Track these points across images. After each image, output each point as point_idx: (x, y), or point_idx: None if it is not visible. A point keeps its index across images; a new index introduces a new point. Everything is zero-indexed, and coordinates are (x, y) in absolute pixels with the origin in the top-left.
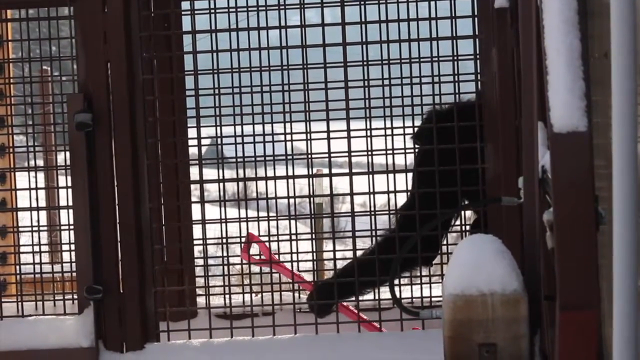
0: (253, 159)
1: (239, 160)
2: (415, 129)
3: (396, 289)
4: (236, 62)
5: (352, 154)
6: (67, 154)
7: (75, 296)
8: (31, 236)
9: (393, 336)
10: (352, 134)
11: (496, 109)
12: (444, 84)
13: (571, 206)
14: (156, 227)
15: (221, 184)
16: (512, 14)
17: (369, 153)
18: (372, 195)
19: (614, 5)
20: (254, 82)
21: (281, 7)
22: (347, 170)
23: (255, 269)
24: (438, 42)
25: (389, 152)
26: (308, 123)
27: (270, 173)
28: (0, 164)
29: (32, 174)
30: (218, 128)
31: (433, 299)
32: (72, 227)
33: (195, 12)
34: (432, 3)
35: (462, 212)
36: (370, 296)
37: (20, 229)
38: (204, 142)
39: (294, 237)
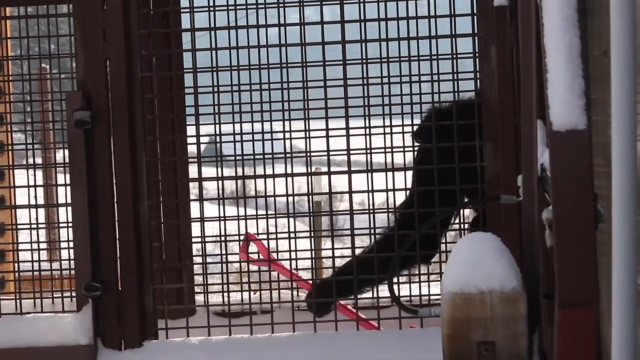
0: (252, 156)
1: (237, 158)
2: (415, 127)
3: (395, 287)
4: (235, 59)
5: (351, 152)
6: (66, 151)
7: (74, 294)
8: (30, 234)
9: (391, 334)
10: (351, 132)
11: (495, 107)
12: (443, 82)
13: (570, 204)
14: (155, 224)
15: (220, 182)
16: (512, 12)
17: (368, 151)
18: (370, 194)
19: (614, 3)
20: (253, 80)
21: (280, 5)
22: (345, 169)
23: (254, 267)
24: (437, 40)
25: (388, 150)
26: (307, 121)
27: (269, 171)
28: None
29: (31, 171)
30: (217, 126)
31: (432, 297)
32: (70, 224)
33: (195, 9)
34: (432, 1)
35: (462, 211)
36: (368, 294)
37: (19, 227)
38: (202, 140)
39: (292, 235)
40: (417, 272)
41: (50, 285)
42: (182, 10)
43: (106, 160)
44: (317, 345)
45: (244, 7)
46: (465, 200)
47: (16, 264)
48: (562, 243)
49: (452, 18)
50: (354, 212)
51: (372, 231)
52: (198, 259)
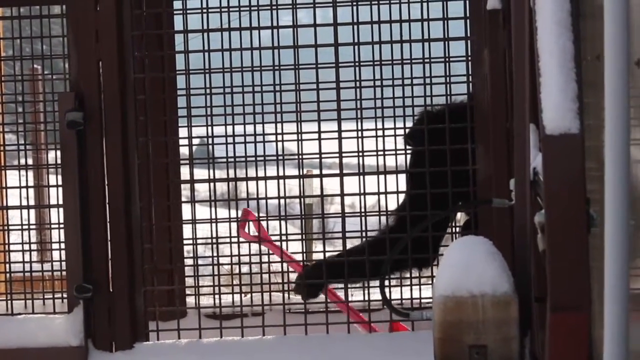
0: (244, 159)
1: (229, 160)
2: (407, 130)
3: (386, 290)
4: (228, 61)
5: (343, 154)
6: (58, 152)
7: (65, 295)
8: (21, 234)
9: (383, 337)
10: (343, 134)
11: (487, 110)
12: (435, 85)
13: (563, 208)
14: (146, 226)
15: (211, 184)
16: (505, 16)
17: (360, 154)
18: (362, 197)
19: (608, 7)
20: (245, 82)
21: (273, 7)
22: (335, 171)
23: (245, 269)
24: (430, 44)
25: (380, 153)
26: (299, 123)
27: (260, 173)
28: None
29: (22, 172)
30: (209, 128)
31: (423, 300)
32: (61, 225)
33: (187, 11)
34: (424, 4)
35: (455, 214)
36: (360, 297)
37: (10, 228)
38: (194, 141)
39: (283, 237)
40: (409, 276)
41: (41, 287)
42: (174, 12)
43: (98, 161)
44: (308, 348)
45: (237, 9)
46: (460, 203)
47: (7, 265)
48: (555, 247)
49: (445, 21)
50: (346, 214)
51: (364, 234)
52: (189, 261)
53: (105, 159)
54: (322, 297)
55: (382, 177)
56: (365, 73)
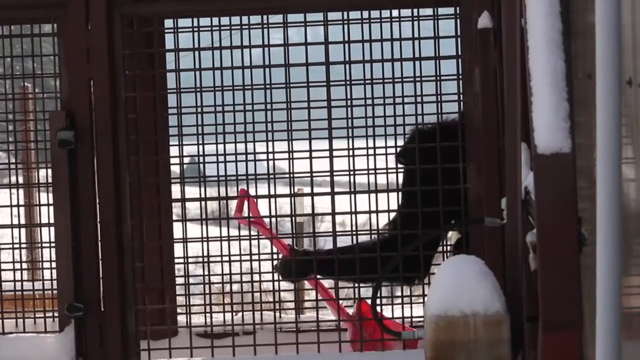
0: (235, 177)
1: (220, 178)
2: (398, 148)
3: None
4: (219, 80)
5: (335, 173)
6: (48, 171)
7: (56, 314)
8: (12, 253)
9: (374, 356)
10: (335, 153)
11: (479, 129)
12: (426, 104)
13: (554, 227)
14: (137, 245)
15: (202, 203)
16: (495, 35)
17: (351, 172)
18: (353, 215)
19: (600, 26)
20: (236, 101)
21: (264, 26)
22: (325, 189)
23: (236, 287)
24: (421, 62)
25: (371, 171)
26: (290, 142)
27: (252, 192)
28: None
29: (13, 190)
30: (200, 146)
31: (414, 319)
32: (52, 244)
33: (178, 30)
34: (415, 23)
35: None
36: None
37: (1, 246)
38: (185, 160)
39: (275, 256)
40: (400, 294)
41: (32, 305)
42: (166, 31)
43: (89, 180)
44: None
45: (228, 27)
46: (453, 222)
47: None
48: (546, 266)
49: (436, 40)
50: (337, 233)
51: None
52: (180, 280)
53: (96, 177)
54: (313, 316)
55: (373, 195)
56: (356, 91)
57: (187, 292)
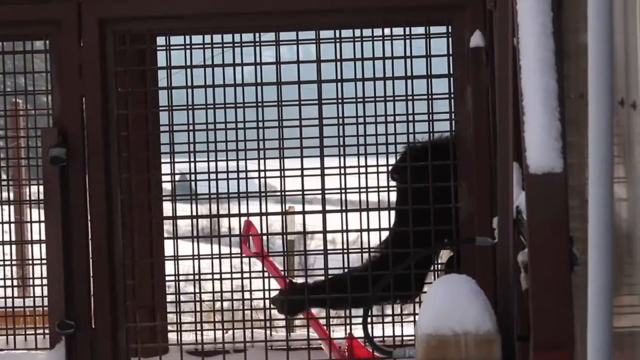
0: (226, 195)
1: (212, 196)
2: (390, 167)
3: (368, 327)
4: (211, 98)
5: (326, 191)
6: (39, 187)
7: (47, 331)
8: (3, 270)
9: None
10: (326, 171)
11: (470, 148)
12: (418, 122)
13: (546, 247)
14: (128, 262)
15: (194, 220)
16: (487, 54)
17: (343, 191)
18: (344, 233)
19: (592, 46)
20: (228, 119)
21: (256, 44)
22: (317, 207)
23: (226, 304)
24: (413, 81)
25: (362, 190)
26: (282, 160)
27: (243, 210)
28: None
29: (4, 207)
30: (192, 164)
31: (405, 338)
32: (43, 261)
33: (171, 47)
34: (407, 42)
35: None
36: (342, 334)
37: None
38: (176, 177)
39: (266, 274)
40: (390, 313)
41: (23, 322)
42: (158, 48)
43: (81, 197)
44: None
45: (220, 45)
46: (446, 240)
47: None
48: (538, 285)
49: (428, 59)
50: (328, 252)
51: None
52: (171, 297)
53: (88, 194)
54: (303, 334)
55: (364, 213)
56: (348, 110)
57: (178, 310)
